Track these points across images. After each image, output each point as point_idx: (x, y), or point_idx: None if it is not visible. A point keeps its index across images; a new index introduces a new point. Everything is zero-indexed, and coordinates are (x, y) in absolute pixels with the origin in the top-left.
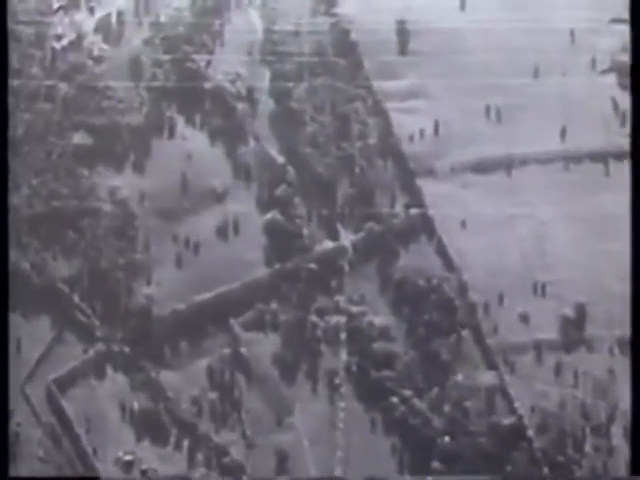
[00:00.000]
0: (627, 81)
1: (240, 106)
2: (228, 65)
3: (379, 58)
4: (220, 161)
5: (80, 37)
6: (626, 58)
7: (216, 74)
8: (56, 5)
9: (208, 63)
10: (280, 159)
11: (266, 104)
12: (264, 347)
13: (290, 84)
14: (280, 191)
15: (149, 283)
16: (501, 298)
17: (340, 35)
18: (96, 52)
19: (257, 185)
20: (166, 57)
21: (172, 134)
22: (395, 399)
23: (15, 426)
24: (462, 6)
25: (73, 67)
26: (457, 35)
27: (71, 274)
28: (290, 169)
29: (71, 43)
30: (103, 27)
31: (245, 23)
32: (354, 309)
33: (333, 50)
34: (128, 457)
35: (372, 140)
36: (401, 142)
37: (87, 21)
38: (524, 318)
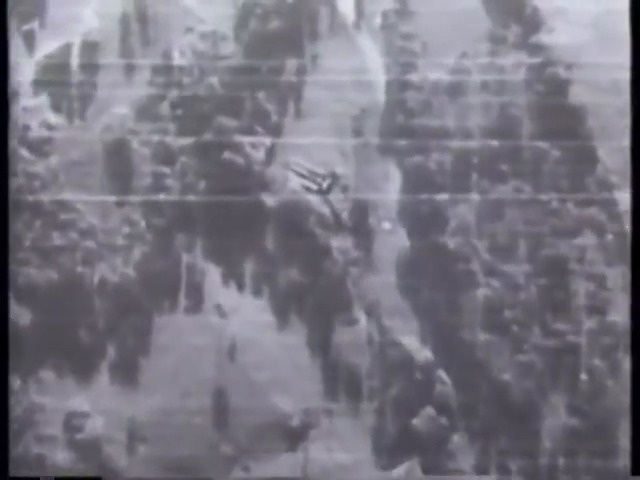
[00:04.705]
0: None
1: (337, 243)
2: (312, 157)
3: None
4: (298, 359)
5: (8, 97)
6: None
7: (287, 176)
8: None
9: (270, 152)
10: (423, 354)
11: (392, 238)
12: None
13: (442, 196)
14: (421, 422)
15: None
16: None
17: (548, 92)
18: (38, 130)
19: (375, 408)
20: (184, 141)
21: (197, 303)
22: None
23: None
24: None
25: None
26: None
27: None
28: (442, 375)
29: None
30: (53, 76)
31: (348, 66)
32: None
33: (533, 124)
34: None
35: (615, 317)
36: None
37: (22, 63)
38: None
